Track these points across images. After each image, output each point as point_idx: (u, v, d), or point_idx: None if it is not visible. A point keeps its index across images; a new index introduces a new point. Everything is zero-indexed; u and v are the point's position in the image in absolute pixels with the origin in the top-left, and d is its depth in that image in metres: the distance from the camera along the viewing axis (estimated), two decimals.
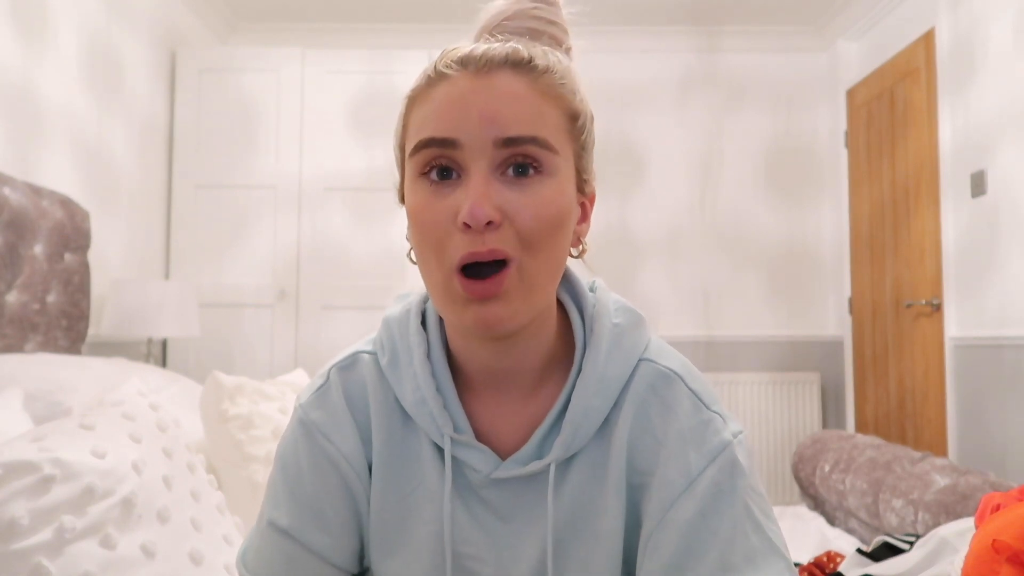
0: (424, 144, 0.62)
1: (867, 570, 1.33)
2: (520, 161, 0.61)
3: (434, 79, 0.64)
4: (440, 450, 0.70)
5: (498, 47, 0.64)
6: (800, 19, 3.68)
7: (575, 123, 0.66)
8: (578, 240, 0.70)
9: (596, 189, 0.71)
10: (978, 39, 2.67)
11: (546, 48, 0.66)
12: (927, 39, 2.99)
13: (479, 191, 0.60)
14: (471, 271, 0.61)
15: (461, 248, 0.60)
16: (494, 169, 0.61)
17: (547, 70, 0.64)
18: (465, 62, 0.63)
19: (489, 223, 0.59)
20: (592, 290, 0.74)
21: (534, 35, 0.68)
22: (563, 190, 0.64)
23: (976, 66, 2.68)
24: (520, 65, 0.63)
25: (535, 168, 0.62)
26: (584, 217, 0.71)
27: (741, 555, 0.63)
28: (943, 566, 1.21)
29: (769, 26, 3.73)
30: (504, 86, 0.62)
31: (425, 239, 0.62)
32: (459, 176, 0.62)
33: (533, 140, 0.61)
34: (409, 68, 3.27)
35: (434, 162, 0.62)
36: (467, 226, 0.59)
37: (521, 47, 0.64)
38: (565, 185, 0.64)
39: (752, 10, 3.58)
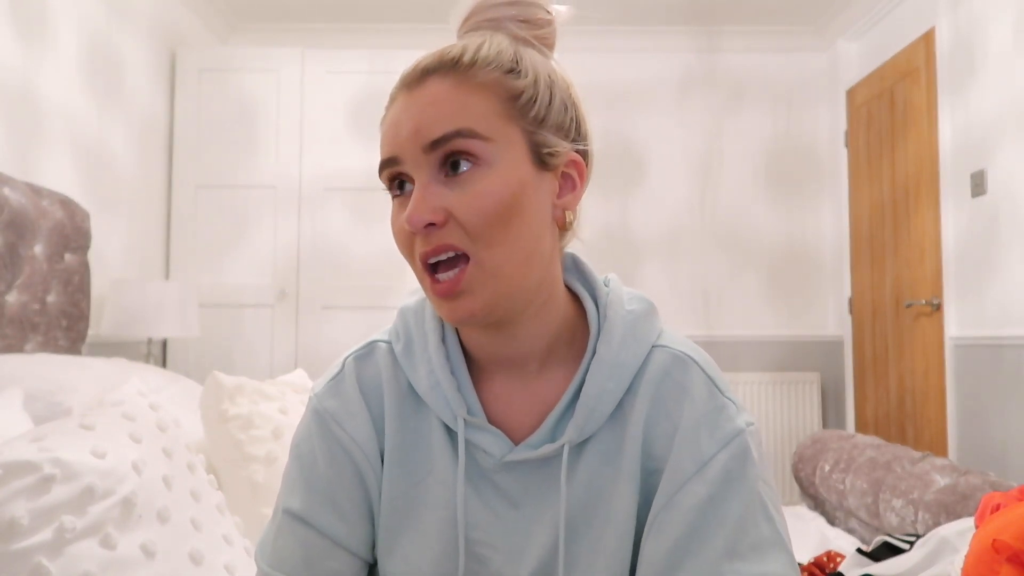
0: (381, 167, 0.67)
1: (867, 570, 1.33)
2: (453, 159, 0.63)
3: (388, 104, 0.68)
4: (452, 436, 0.71)
5: (428, 56, 0.66)
6: (800, 19, 3.68)
7: (515, 103, 0.65)
8: (562, 213, 0.69)
9: (596, 185, 0.71)
10: (978, 39, 2.67)
11: (487, 36, 0.67)
12: (927, 39, 2.99)
13: (416, 197, 0.63)
14: (440, 266, 0.65)
15: (418, 249, 0.65)
16: (436, 173, 0.64)
17: (473, 62, 0.65)
18: (402, 82, 0.67)
19: (431, 225, 0.63)
20: (606, 283, 0.75)
21: (498, 24, 0.69)
22: (505, 178, 0.63)
23: (976, 66, 2.68)
24: (445, 67, 0.65)
25: (470, 162, 0.63)
26: (571, 187, 0.69)
27: (749, 543, 0.63)
28: (943, 566, 1.21)
29: (769, 26, 3.73)
30: (429, 94, 0.64)
31: (400, 247, 0.68)
32: (412, 187, 0.66)
33: (457, 133, 0.63)
34: None
35: (393, 179, 0.67)
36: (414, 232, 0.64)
37: (455, 47, 0.66)
38: (508, 171, 0.64)
39: (752, 10, 3.58)
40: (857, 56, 3.66)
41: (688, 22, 3.70)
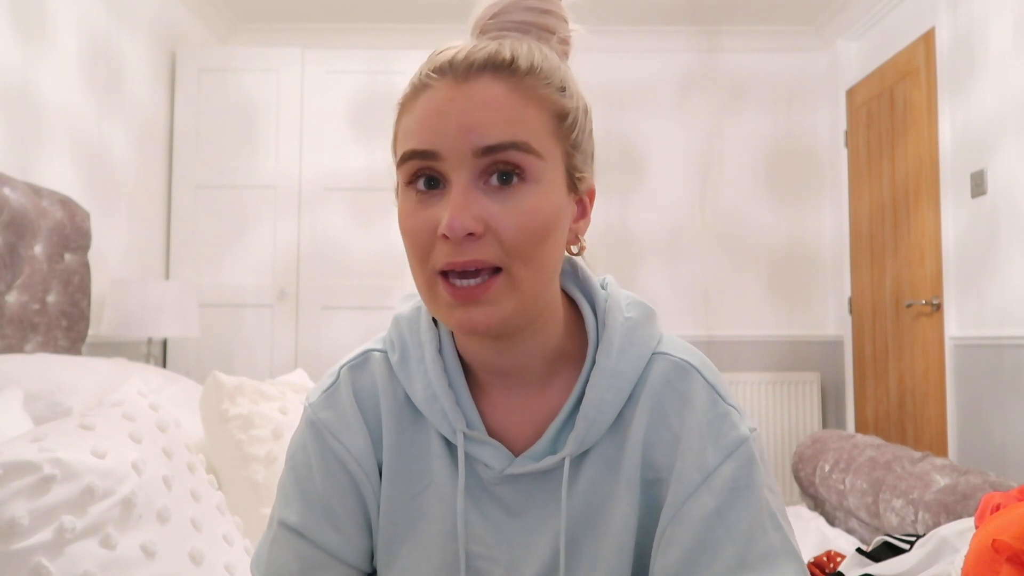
0: (407, 156, 0.62)
1: (867, 570, 1.33)
2: (503, 169, 0.61)
3: (418, 87, 0.64)
4: (451, 448, 0.70)
5: (479, 50, 0.62)
6: (800, 19, 3.67)
7: (563, 123, 0.64)
8: (576, 237, 0.69)
9: (596, 186, 0.70)
10: (978, 39, 2.67)
11: (534, 44, 0.65)
12: (927, 39, 2.99)
13: (458, 203, 0.59)
14: (455, 275, 0.61)
15: (443, 257, 0.61)
16: (476, 178, 0.61)
17: (530, 71, 0.62)
18: (445, 69, 0.62)
19: (470, 235, 0.59)
20: (604, 287, 0.74)
21: (526, 28, 0.66)
22: (549, 197, 0.62)
23: (976, 66, 2.68)
24: (501, 68, 0.62)
25: (519, 176, 0.61)
26: (583, 214, 0.69)
27: (759, 553, 0.63)
28: (943, 566, 1.20)
29: (769, 26, 3.73)
30: (483, 93, 0.61)
31: (411, 246, 0.63)
32: (444, 186, 0.62)
33: (513, 145, 0.60)
34: (409, 68, 3.24)
35: (419, 172, 0.62)
36: (447, 237, 0.60)
37: (505, 47, 0.63)
38: (551, 190, 0.63)
39: (752, 10, 3.58)
40: (857, 56, 3.66)
41: (688, 22, 3.70)
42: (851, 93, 3.61)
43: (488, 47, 0.63)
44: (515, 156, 0.60)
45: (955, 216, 2.80)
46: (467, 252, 0.60)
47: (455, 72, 0.62)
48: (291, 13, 3.60)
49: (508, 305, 0.62)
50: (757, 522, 0.63)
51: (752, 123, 3.78)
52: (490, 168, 0.61)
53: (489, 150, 0.60)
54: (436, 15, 3.56)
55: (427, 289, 0.63)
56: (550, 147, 0.63)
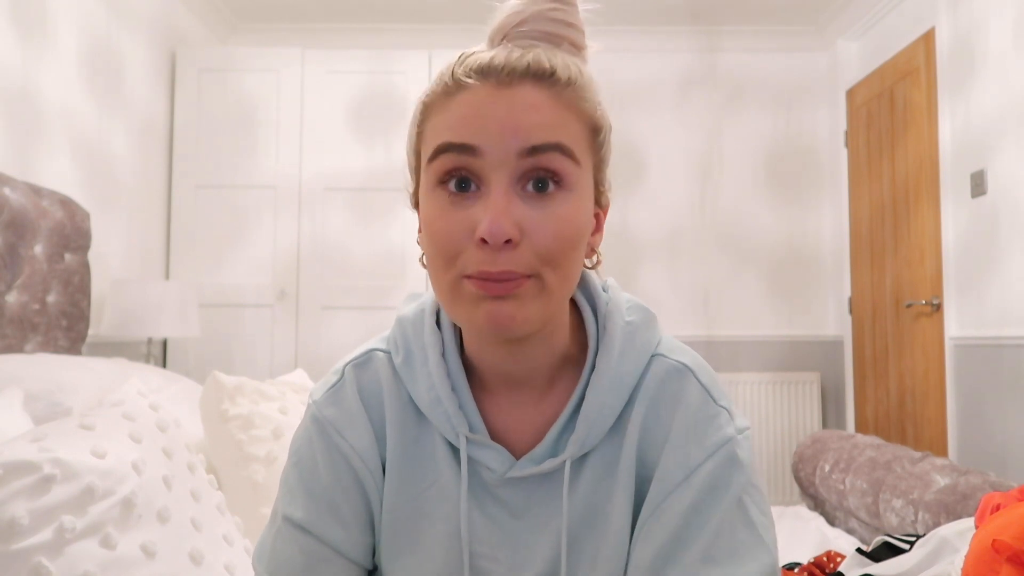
0: (443, 149, 0.61)
1: (867, 570, 1.33)
2: (542, 175, 0.61)
3: (452, 88, 0.63)
4: (454, 449, 0.71)
5: (519, 57, 0.62)
6: (800, 19, 3.68)
7: (596, 136, 0.66)
8: (592, 251, 0.69)
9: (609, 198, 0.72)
10: (978, 39, 2.67)
11: (568, 58, 0.65)
12: (927, 39, 2.99)
13: (499, 206, 0.59)
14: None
15: (474, 263, 0.60)
16: (514, 183, 0.61)
17: (569, 82, 0.63)
18: (485, 72, 0.61)
19: (507, 241, 0.59)
20: (605, 290, 0.75)
21: (552, 39, 0.66)
22: (582, 206, 0.63)
23: (976, 66, 2.68)
24: (542, 77, 0.62)
25: (556, 182, 0.61)
26: (598, 228, 0.70)
27: (726, 549, 0.64)
28: (943, 566, 1.21)
29: (769, 26, 3.73)
30: (526, 97, 0.61)
31: (439, 250, 0.62)
32: (478, 188, 0.61)
33: (558, 147, 0.61)
34: (409, 68, 3.27)
35: (453, 172, 0.61)
36: (484, 242, 0.59)
37: (544, 57, 0.63)
38: (584, 200, 0.64)
39: (752, 10, 3.58)
40: (857, 56, 3.66)
41: (688, 22, 3.70)
42: (851, 93, 3.61)
43: (527, 55, 0.62)
44: (557, 160, 0.61)
45: (955, 216, 2.80)
46: (501, 261, 0.59)
47: (497, 76, 0.61)
48: (291, 13, 3.60)
49: (536, 307, 0.62)
50: (727, 520, 0.65)
51: (752, 123, 3.78)
52: (529, 173, 0.61)
53: (534, 150, 0.60)
54: (436, 15, 3.56)
55: (451, 291, 0.62)
56: (585, 156, 0.64)
